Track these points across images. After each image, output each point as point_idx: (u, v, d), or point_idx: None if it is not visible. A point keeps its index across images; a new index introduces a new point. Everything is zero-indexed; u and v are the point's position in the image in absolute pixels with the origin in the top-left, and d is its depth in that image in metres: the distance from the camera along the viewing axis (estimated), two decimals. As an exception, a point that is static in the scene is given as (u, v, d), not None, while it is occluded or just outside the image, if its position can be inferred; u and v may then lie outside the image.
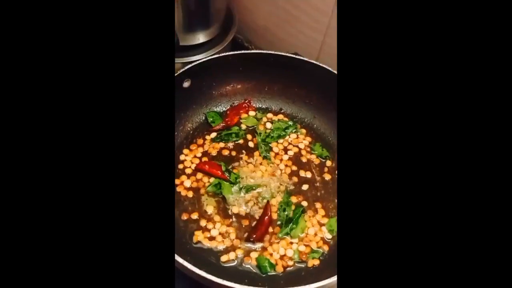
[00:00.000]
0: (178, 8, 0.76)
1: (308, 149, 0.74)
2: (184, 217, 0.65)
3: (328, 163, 0.72)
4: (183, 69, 0.67)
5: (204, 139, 0.73)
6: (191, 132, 0.74)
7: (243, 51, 0.72)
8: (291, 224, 0.65)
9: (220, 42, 0.84)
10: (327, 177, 0.71)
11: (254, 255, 0.62)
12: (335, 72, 0.68)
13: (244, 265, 0.61)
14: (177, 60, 0.79)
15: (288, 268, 0.61)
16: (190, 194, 0.67)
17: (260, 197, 0.68)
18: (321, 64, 0.70)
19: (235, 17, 0.88)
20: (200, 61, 0.69)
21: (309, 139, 0.75)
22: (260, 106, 0.78)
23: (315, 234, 0.65)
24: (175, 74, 0.66)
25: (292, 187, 0.69)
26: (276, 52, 0.71)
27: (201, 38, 0.82)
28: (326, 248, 0.64)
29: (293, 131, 0.75)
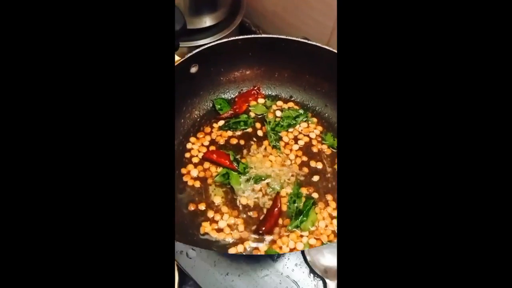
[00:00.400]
0: (185, -10, 0.74)
1: (319, 139, 0.72)
2: (191, 207, 0.63)
3: (340, 153, 0.70)
4: (190, 54, 0.65)
5: (212, 127, 0.71)
6: (198, 119, 0.72)
7: (252, 35, 0.69)
8: (301, 216, 0.63)
9: (227, 26, 0.83)
10: (339, 168, 0.69)
11: (263, 248, 0.60)
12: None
13: (252, 258, 0.60)
14: (183, 44, 0.78)
15: (298, 262, 0.60)
16: (197, 184, 0.65)
17: (269, 188, 0.66)
18: (334, 50, 0.68)
19: (243, 1, 0.87)
20: (208, 45, 0.66)
21: (320, 128, 0.73)
22: (269, 93, 0.76)
23: (326, 227, 0.63)
24: (182, 59, 0.64)
25: (302, 178, 0.67)
26: (287, 37, 0.69)
27: (207, 21, 0.80)
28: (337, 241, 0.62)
29: (304, 120, 0.73)
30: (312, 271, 0.61)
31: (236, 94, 0.75)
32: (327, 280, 0.60)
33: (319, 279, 0.61)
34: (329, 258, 0.61)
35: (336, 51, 0.67)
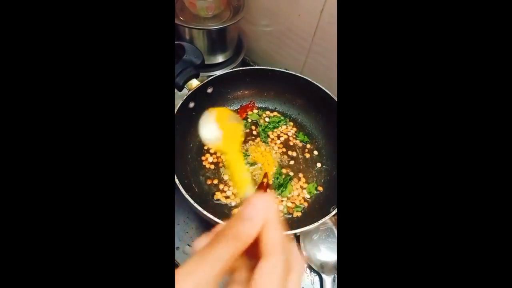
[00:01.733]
0: (204, 37, 0.74)
1: (294, 136, 0.72)
2: (208, 182, 0.64)
3: (308, 146, 0.71)
4: (207, 80, 0.66)
5: (222, 129, 0.72)
6: (213, 123, 0.72)
7: (249, 67, 0.70)
8: (282, 187, 0.64)
9: (234, 62, 0.83)
10: (307, 155, 0.69)
11: (256, 208, 0.61)
12: (314, 82, 0.67)
13: (249, 215, 0.60)
14: (203, 74, 0.78)
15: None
16: (212, 166, 0.66)
17: (260, 169, 0.66)
18: (304, 76, 0.68)
19: (244, 44, 0.87)
20: (219, 73, 0.67)
21: (295, 129, 0.73)
22: (261, 106, 0.76)
23: (298, 195, 0.64)
24: (201, 83, 0.65)
25: (282, 162, 0.68)
26: (272, 68, 0.69)
27: (220, 58, 0.80)
28: (306, 204, 0.63)
29: (284, 123, 0.74)
30: (308, 266, 0.51)
31: (239, 106, 0.75)
32: (323, 275, 0.49)
33: (315, 274, 0.51)
34: (325, 253, 0.51)
35: (304, 77, 0.68)
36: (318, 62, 0.80)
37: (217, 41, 0.77)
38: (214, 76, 0.66)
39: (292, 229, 0.50)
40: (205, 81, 0.65)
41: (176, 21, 0.71)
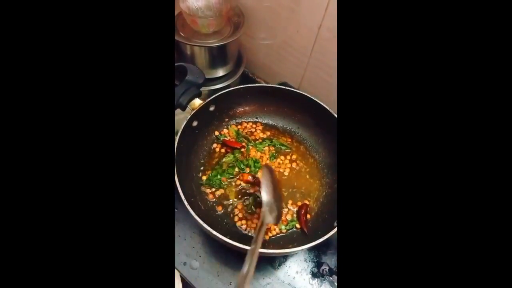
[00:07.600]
0: (205, 53, 0.75)
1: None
2: (211, 197, 0.65)
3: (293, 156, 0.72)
4: (210, 98, 0.67)
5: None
6: (215, 137, 0.74)
7: (249, 85, 0.71)
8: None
9: (234, 75, 0.84)
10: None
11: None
12: (312, 97, 0.68)
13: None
14: (204, 88, 0.79)
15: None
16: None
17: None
18: (302, 92, 0.70)
19: (244, 57, 0.88)
20: (220, 92, 0.68)
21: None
22: (260, 121, 0.77)
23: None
24: (204, 102, 0.66)
25: (283, 177, 0.69)
26: (272, 85, 0.71)
27: (220, 72, 0.82)
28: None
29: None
30: (313, 275, 0.51)
31: (241, 121, 0.77)
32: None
33: (320, 284, 0.50)
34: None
35: (302, 92, 0.69)
36: (317, 75, 0.82)
37: (218, 56, 0.78)
38: (216, 95, 0.67)
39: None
40: (208, 100, 0.66)
41: (178, 38, 0.72)
